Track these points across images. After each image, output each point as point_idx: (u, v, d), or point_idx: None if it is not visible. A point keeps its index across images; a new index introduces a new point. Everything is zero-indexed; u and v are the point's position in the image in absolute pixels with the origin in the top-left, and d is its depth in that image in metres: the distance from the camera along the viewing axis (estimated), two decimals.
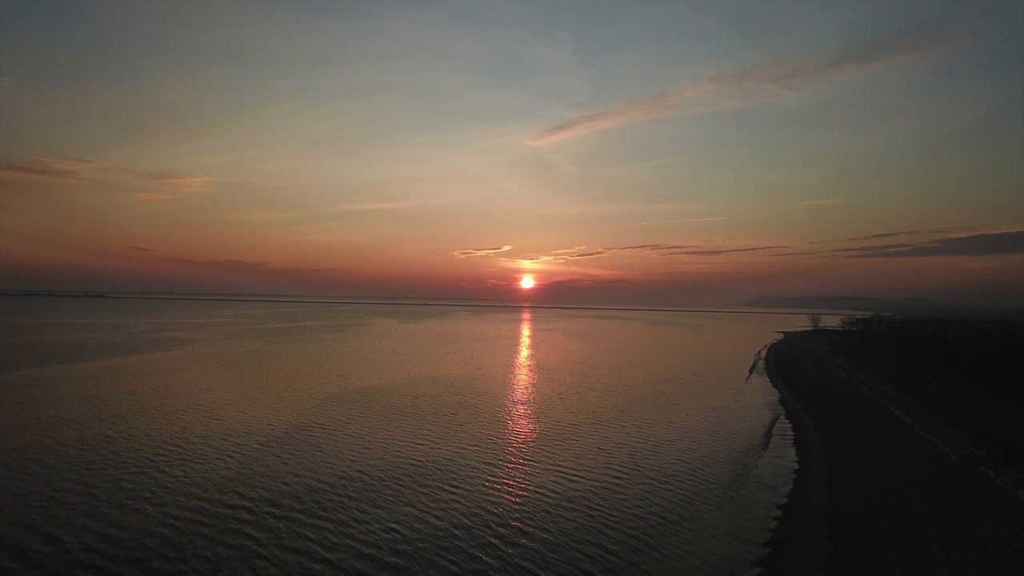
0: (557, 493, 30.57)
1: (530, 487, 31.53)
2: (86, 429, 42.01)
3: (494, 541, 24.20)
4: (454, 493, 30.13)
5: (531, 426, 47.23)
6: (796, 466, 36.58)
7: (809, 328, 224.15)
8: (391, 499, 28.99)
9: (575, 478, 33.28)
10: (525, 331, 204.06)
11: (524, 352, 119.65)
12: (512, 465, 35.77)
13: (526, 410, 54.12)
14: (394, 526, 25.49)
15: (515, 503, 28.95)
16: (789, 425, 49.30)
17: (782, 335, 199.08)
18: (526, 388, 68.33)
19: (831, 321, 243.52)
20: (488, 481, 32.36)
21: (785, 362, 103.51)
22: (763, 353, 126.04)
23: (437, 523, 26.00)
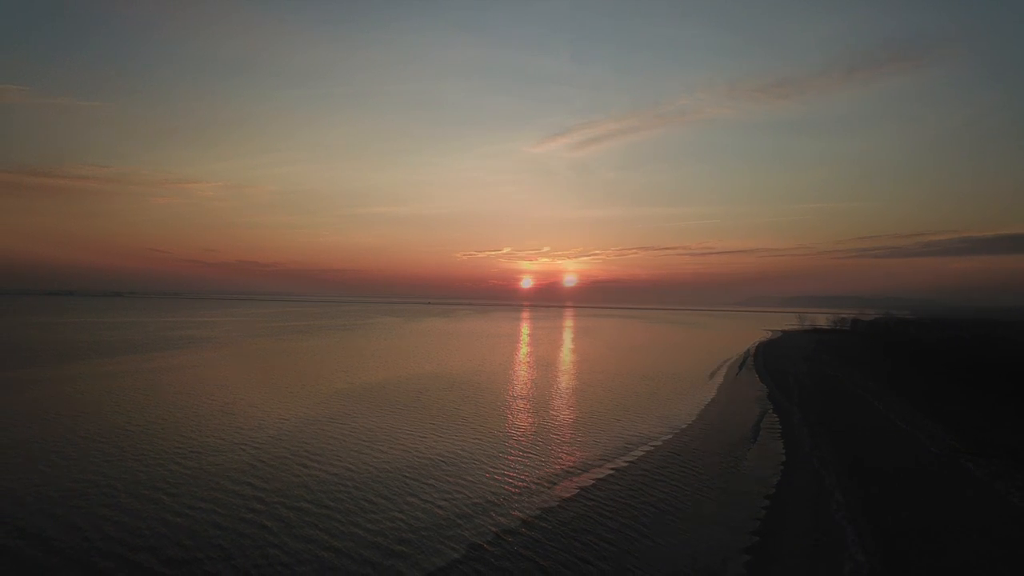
0: (555, 484, 31.77)
1: (529, 479, 32.71)
2: (104, 423, 42.94)
3: (495, 530, 25.28)
4: (457, 484, 31.27)
5: (530, 420, 48.39)
6: (784, 458, 37.84)
7: (797, 327, 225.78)
8: (396, 490, 30.11)
9: (572, 470, 34.48)
10: (524, 329, 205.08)
11: (523, 349, 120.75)
12: (512, 458, 36.92)
13: (526, 405, 55.29)
14: (399, 515, 26.59)
15: (515, 494, 30.11)
16: (777, 419, 50.55)
17: (771, 333, 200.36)
18: (526, 383, 69.51)
19: (819, 320, 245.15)
20: (489, 473, 33.53)
21: (774, 359, 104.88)
22: (753, 350, 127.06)
23: (440, 513, 27.12)
